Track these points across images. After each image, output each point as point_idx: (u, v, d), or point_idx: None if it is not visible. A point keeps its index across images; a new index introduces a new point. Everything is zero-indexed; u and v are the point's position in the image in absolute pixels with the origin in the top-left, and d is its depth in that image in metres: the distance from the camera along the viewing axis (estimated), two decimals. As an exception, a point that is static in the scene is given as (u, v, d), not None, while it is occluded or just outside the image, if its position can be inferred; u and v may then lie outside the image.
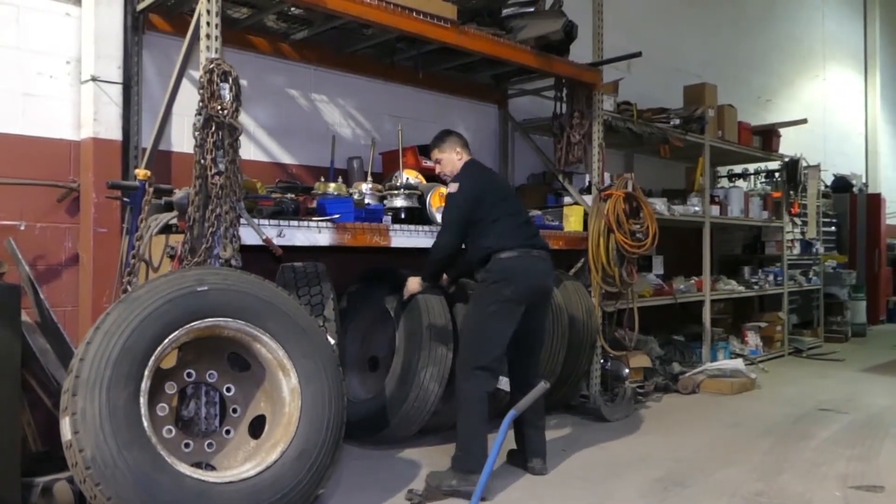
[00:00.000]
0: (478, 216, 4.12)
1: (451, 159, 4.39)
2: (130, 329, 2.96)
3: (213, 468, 3.30)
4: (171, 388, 3.32)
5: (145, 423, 2.91)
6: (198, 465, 3.24)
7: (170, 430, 3.23)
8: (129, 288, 3.49)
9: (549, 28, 5.31)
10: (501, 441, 3.03)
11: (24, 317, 3.70)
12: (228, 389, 3.49)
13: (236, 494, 3.02)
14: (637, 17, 8.49)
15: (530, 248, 4.16)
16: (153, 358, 3.01)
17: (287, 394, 3.37)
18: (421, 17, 4.52)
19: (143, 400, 2.94)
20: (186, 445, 3.30)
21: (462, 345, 4.20)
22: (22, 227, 4.07)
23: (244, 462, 3.28)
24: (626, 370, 6.15)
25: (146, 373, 2.98)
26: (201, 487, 2.94)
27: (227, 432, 3.45)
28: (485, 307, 4.06)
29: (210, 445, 3.38)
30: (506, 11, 5.53)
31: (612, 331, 6.17)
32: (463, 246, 4.25)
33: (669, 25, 9.19)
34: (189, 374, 3.38)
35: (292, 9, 4.65)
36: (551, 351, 5.08)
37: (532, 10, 5.62)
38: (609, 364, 6.12)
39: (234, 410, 3.49)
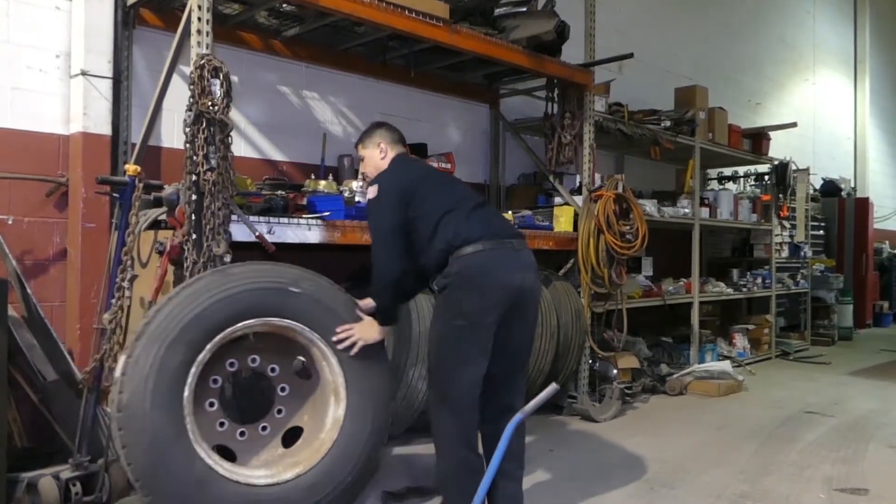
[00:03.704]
0: (415, 214, 3.27)
1: (372, 157, 3.61)
2: (211, 301, 3.04)
3: (234, 456, 3.30)
4: (231, 366, 3.35)
5: (186, 393, 2.97)
6: (222, 447, 3.25)
7: (213, 403, 3.28)
8: (125, 286, 3.49)
9: (541, 28, 5.31)
10: (504, 450, 2.71)
11: (11, 311, 3.67)
12: (283, 389, 3.50)
13: (235, 496, 3.00)
14: (629, 18, 8.53)
15: (502, 239, 3.25)
16: (221, 335, 3.07)
17: (329, 421, 3.37)
18: (413, 15, 4.51)
19: (194, 370, 3.00)
20: (221, 424, 3.31)
21: (428, 380, 3.40)
22: (10, 222, 4.04)
23: (261, 467, 3.26)
24: (615, 371, 6.17)
25: (208, 346, 3.04)
26: (206, 475, 2.95)
27: (264, 429, 3.44)
28: (445, 327, 3.19)
29: (242, 434, 3.37)
30: (498, 11, 5.53)
31: (601, 331, 6.19)
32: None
33: (661, 28, 9.23)
34: (253, 360, 3.40)
35: (284, 5, 4.63)
36: (540, 351, 5.08)
37: (524, 10, 5.62)
38: (597, 365, 6.14)
39: (279, 412, 3.48)
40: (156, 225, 3.77)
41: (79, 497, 3.29)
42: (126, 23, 4.32)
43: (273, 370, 3.47)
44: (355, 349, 3.31)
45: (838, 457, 4.77)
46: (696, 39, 10.00)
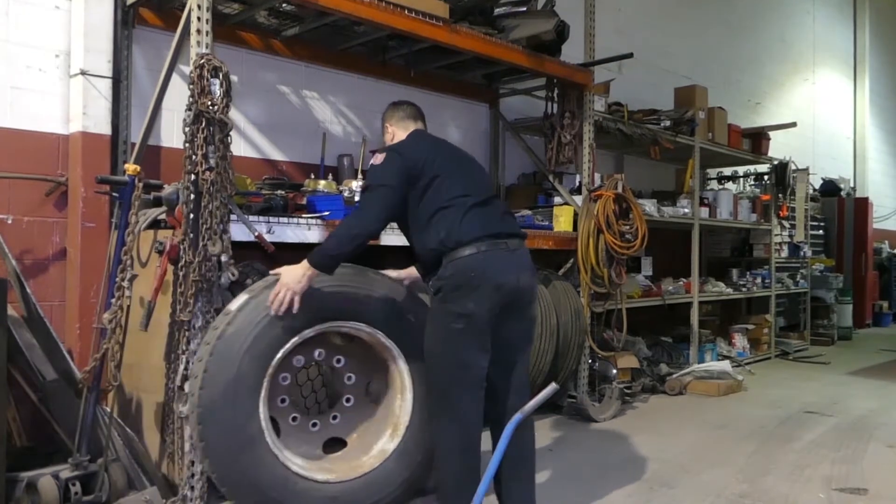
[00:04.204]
0: (416, 195, 3.17)
1: (385, 142, 3.60)
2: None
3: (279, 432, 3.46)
4: (298, 362, 3.54)
5: (262, 393, 3.17)
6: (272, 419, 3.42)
7: (286, 378, 3.49)
8: (125, 285, 3.49)
9: (540, 28, 5.31)
10: (503, 450, 2.71)
11: (11, 311, 3.67)
12: (348, 400, 3.70)
13: (277, 475, 3.18)
14: (629, 18, 8.53)
15: (497, 239, 3.15)
16: (299, 336, 3.27)
17: (377, 449, 3.55)
18: (413, 14, 4.51)
19: (273, 363, 3.21)
20: (282, 400, 3.52)
21: (427, 384, 3.34)
22: (9, 221, 4.04)
23: (298, 456, 3.37)
24: (614, 371, 6.17)
25: (288, 344, 3.25)
26: (283, 475, 3.16)
27: (314, 425, 3.62)
28: (443, 330, 3.12)
29: (294, 419, 3.54)
30: (498, 11, 5.53)
31: (601, 331, 6.19)
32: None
33: (661, 27, 9.22)
34: (338, 361, 3.60)
35: (284, 5, 4.63)
36: (539, 351, 5.08)
37: (524, 9, 5.62)
38: (597, 364, 6.13)
39: (334, 418, 3.67)
40: (155, 224, 3.77)
41: (78, 497, 3.29)
42: (126, 22, 4.32)
43: (349, 378, 3.61)
44: (285, 305, 3.11)
45: (838, 456, 4.77)
46: (696, 39, 10.00)
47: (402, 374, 3.54)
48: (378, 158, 3.25)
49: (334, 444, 3.62)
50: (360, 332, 3.50)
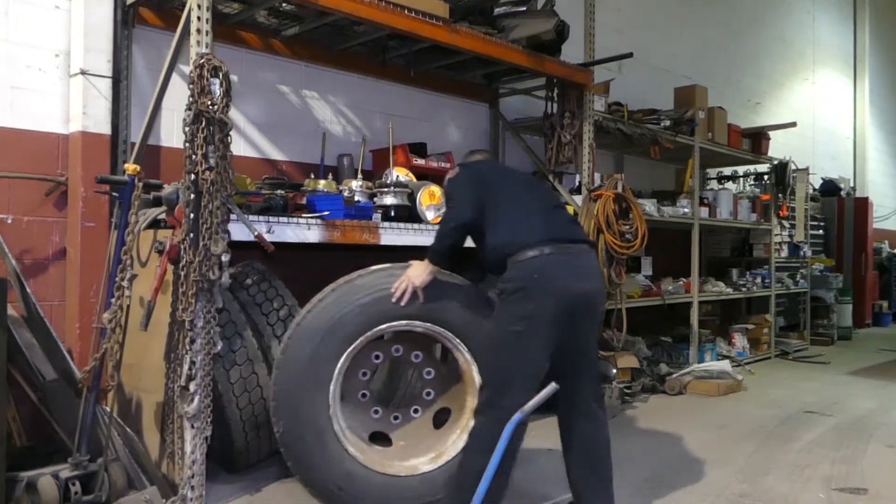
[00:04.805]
0: (485, 200, 3.33)
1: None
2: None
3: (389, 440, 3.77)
4: (376, 359, 3.76)
5: (332, 387, 3.41)
6: (380, 434, 3.76)
7: (364, 394, 3.77)
8: (125, 285, 3.49)
9: (540, 28, 5.32)
10: (503, 450, 2.74)
11: (11, 311, 3.67)
12: (428, 373, 3.80)
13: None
14: (629, 18, 8.53)
15: (562, 243, 3.20)
16: (373, 331, 3.45)
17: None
18: (413, 14, 4.51)
19: (342, 361, 3.43)
20: (375, 412, 3.78)
21: (481, 380, 3.42)
22: (9, 221, 4.04)
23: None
24: (614, 370, 6.16)
25: (359, 339, 3.45)
26: (346, 461, 3.41)
27: (416, 411, 3.83)
28: (503, 333, 3.18)
29: (396, 418, 3.79)
30: (497, 10, 5.53)
31: (601, 331, 6.19)
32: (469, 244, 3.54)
33: (661, 27, 9.22)
34: (396, 350, 3.76)
35: (284, 5, 4.64)
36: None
37: (524, 9, 5.62)
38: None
39: (428, 394, 3.83)
40: (155, 224, 3.77)
41: (78, 496, 3.28)
42: (126, 22, 4.32)
43: (417, 356, 3.76)
44: (407, 295, 3.39)
45: (837, 456, 4.77)
46: (696, 39, 9.99)
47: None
48: (451, 172, 3.74)
49: (377, 437, 3.81)
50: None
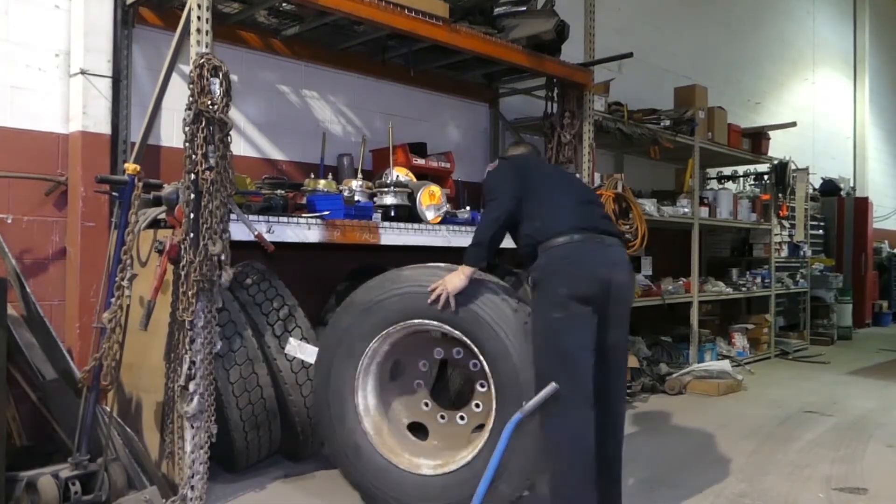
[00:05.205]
0: (523, 192, 3.33)
1: None
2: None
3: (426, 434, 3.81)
4: (437, 355, 3.83)
5: (362, 361, 3.59)
6: (420, 425, 3.79)
7: (420, 384, 3.90)
8: (125, 285, 3.49)
9: (540, 27, 5.31)
10: (503, 449, 2.78)
11: (10, 310, 3.67)
12: (482, 385, 3.72)
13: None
14: (629, 18, 8.53)
15: (590, 232, 3.20)
16: (407, 322, 3.50)
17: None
18: (413, 14, 4.51)
19: (368, 354, 3.59)
20: (426, 404, 3.85)
21: (536, 378, 3.17)
22: (9, 221, 4.04)
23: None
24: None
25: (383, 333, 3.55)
26: (357, 434, 3.58)
27: (462, 418, 3.79)
28: (544, 322, 3.12)
29: (442, 417, 3.82)
30: (497, 10, 5.53)
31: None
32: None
33: (661, 27, 9.22)
34: (458, 353, 3.77)
35: (284, 4, 4.63)
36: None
37: (524, 9, 5.61)
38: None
39: (477, 406, 3.76)
40: (155, 224, 3.77)
41: (78, 496, 3.28)
42: (125, 21, 4.32)
43: (475, 365, 3.66)
44: (442, 300, 3.33)
45: (837, 456, 4.77)
46: (696, 39, 9.99)
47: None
48: (491, 167, 3.79)
49: (419, 429, 3.85)
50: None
